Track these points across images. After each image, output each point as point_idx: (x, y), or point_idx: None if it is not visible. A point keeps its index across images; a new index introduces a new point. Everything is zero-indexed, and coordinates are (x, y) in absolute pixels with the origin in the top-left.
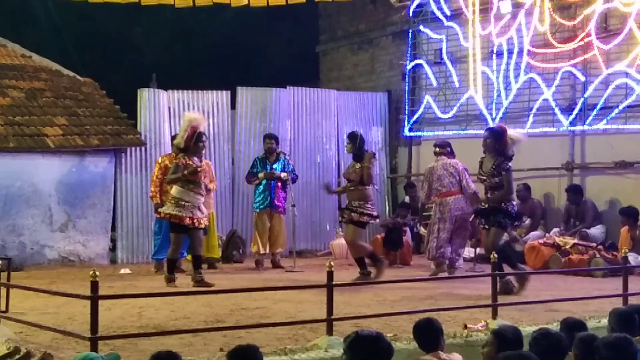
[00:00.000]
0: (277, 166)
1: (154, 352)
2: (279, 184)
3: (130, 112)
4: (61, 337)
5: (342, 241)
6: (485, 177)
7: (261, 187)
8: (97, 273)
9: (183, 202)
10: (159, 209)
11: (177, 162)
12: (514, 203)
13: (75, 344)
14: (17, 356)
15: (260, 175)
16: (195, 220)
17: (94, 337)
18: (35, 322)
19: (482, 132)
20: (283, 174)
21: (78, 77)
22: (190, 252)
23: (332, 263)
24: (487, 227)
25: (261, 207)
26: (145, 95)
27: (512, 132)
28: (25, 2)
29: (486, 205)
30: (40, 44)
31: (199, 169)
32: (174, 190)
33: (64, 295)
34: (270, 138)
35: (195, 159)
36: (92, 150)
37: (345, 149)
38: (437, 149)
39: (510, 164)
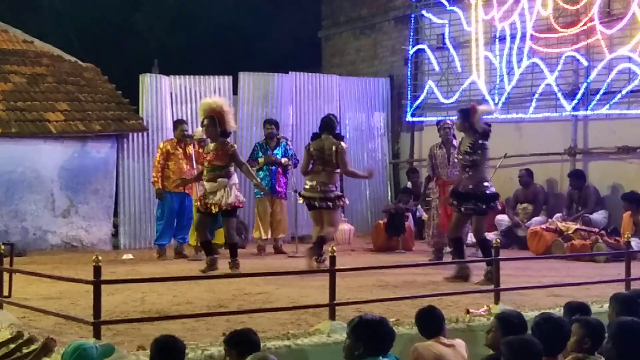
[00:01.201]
0: (277, 151)
1: (156, 337)
2: (280, 169)
3: (132, 98)
4: (64, 322)
5: (345, 226)
6: (461, 156)
7: (261, 172)
8: (100, 258)
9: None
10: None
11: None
12: (488, 184)
13: (78, 328)
14: (20, 341)
15: (260, 160)
16: (209, 205)
17: (96, 322)
18: (38, 307)
19: (485, 117)
20: (284, 159)
21: (80, 62)
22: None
23: (334, 248)
24: (460, 209)
25: (262, 192)
26: (147, 81)
27: (480, 106)
28: None
29: (461, 189)
30: (42, 30)
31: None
32: (235, 177)
33: (67, 280)
34: (271, 123)
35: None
36: (94, 136)
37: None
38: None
39: (487, 142)
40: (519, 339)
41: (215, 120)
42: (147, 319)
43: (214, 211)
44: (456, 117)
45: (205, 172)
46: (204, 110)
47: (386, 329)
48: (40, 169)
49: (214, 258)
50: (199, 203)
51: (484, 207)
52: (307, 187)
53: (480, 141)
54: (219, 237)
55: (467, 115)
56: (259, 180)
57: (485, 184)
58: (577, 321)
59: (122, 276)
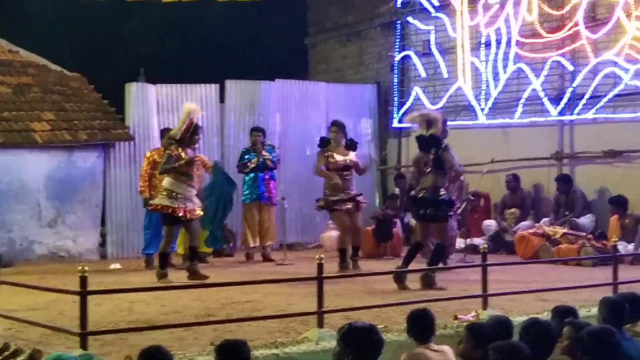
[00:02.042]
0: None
1: (143, 347)
2: (267, 176)
3: (119, 107)
4: (51, 332)
5: (333, 233)
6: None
7: (249, 179)
8: (86, 268)
9: (175, 194)
10: (150, 201)
11: (170, 152)
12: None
13: (65, 339)
14: (7, 353)
15: (254, 160)
16: (187, 212)
17: (83, 333)
18: (25, 318)
19: (471, 122)
20: (265, 153)
21: (66, 71)
22: (184, 244)
23: (322, 255)
24: (425, 219)
25: (249, 199)
26: (133, 90)
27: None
28: None
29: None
30: (28, 39)
31: (195, 160)
32: (165, 181)
33: (53, 291)
34: (258, 131)
35: (189, 150)
36: (81, 145)
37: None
38: None
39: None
40: (506, 344)
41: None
42: (135, 329)
43: (193, 218)
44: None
45: (183, 178)
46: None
47: (375, 337)
48: (26, 179)
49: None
50: (182, 212)
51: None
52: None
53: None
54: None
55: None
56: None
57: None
58: (569, 324)
59: (109, 286)
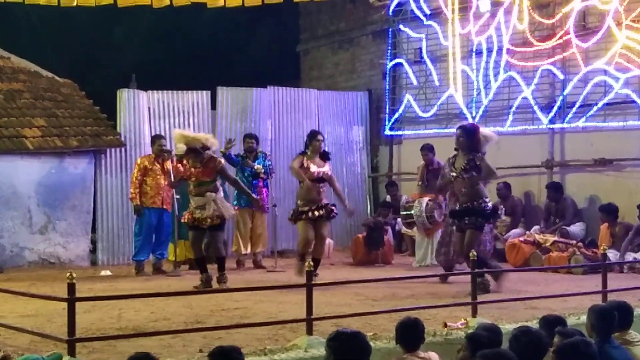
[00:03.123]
0: (256, 163)
1: (130, 355)
2: (260, 182)
3: (110, 113)
4: (39, 339)
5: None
6: (457, 174)
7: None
8: (74, 275)
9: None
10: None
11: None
12: (487, 200)
13: (54, 346)
14: None
15: (258, 167)
16: (195, 220)
17: (71, 339)
18: (14, 324)
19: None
20: (257, 166)
21: (57, 78)
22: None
23: (311, 263)
24: (462, 229)
25: (242, 205)
26: (124, 96)
27: (484, 130)
28: (2, 2)
29: (459, 207)
30: (19, 45)
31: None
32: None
33: (41, 297)
34: (251, 137)
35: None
36: (72, 152)
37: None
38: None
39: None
40: (494, 352)
41: (199, 151)
42: (123, 335)
43: (205, 225)
44: (458, 133)
45: (192, 187)
46: (188, 142)
47: (361, 344)
48: (17, 185)
49: (209, 276)
50: (187, 219)
51: (484, 221)
52: None
53: (478, 156)
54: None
55: (473, 135)
56: (252, 195)
57: (486, 199)
58: (558, 333)
59: (99, 292)
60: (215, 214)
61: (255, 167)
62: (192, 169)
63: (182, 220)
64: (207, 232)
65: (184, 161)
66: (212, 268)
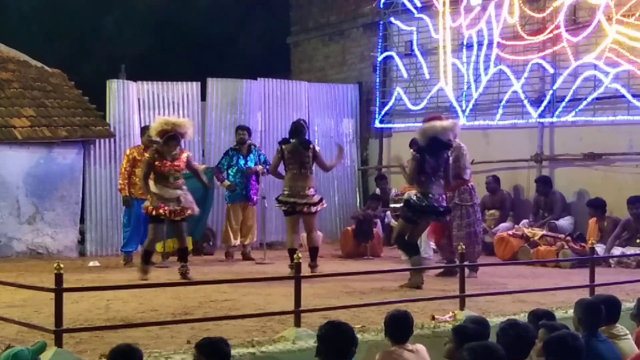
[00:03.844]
0: (251, 157)
1: (112, 347)
2: (254, 176)
3: (99, 104)
4: (27, 330)
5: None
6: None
7: (236, 179)
8: (62, 265)
9: (157, 196)
10: (142, 205)
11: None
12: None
13: (41, 336)
14: None
15: (226, 183)
16: (170, 212)
17: (58, 330)
18: (1, 315)
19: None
20: (259, 167)
21: (46, 67)
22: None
23: (300, 255)
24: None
25: (236, 199)
26: (114, 87)
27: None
28: None
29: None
30: (8, 34)
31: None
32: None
33: (28, 287)
34: (243, 129)
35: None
36: (60, 142)
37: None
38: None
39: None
40: (481, 344)
41: (180, 139)
42: (111, 326)
43: (177, 218)
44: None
45: (171, 180)
46: (176, 130)
47: (347, 334)
48: (5, 175)
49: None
50: (161, 211)
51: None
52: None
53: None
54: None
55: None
56: (206, 184)
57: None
58: (543, 326)
59: (87, 283)
60: (189, 206)
61: (259, 170)
62: (171, 161)
63: (146, 212)
64: (171, 224)
65: (153, 152)
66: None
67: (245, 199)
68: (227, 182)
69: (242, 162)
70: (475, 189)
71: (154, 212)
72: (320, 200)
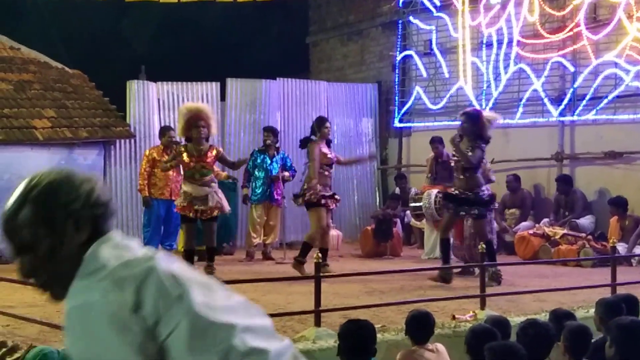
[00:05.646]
0: (276, 160)
1: None
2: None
3: (120, 104)
4: (48, 329)
5: (333, 232)
6: (458, 158)
7: (260, 180)
8: None
9: (187, 194)
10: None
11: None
12: (484, 188)
13: (63, 336)
14: (4, 349)
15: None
16: (197, 212)
17: None
18: (23, 315)
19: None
20: (286, 174)
21: (67, 69)
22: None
23: (319, 254)
24: (457, 214)
25: (260, 199)
26: (134, 87)
27: (487, 113)
28: None
29: (457, 192)
30: (29, 36)
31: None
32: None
33: None
34: (267, 131)
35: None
36: (81, 143)
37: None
38: None
39: (484, 145)
40: (502, 344)
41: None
42: None
43: (205, 217)
44: (462, 120)
45: (197, 176)
46: (199, 112)
47: (368, 332)
48: (26, 176)
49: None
50: (187, 212)
51: (484, 210)
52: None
53: (477, 143)
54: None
55: (477, 120)
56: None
57: (483, 188)
58: (565, 327)
59: None
60: (218, 205)
61: (285, 177)
62: (197, 157)
63: (177, 211)
64: (202, 223)
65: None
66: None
67: (269, 199)
68: (245, 190)
69: (267, 162)
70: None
71: (182, 213)
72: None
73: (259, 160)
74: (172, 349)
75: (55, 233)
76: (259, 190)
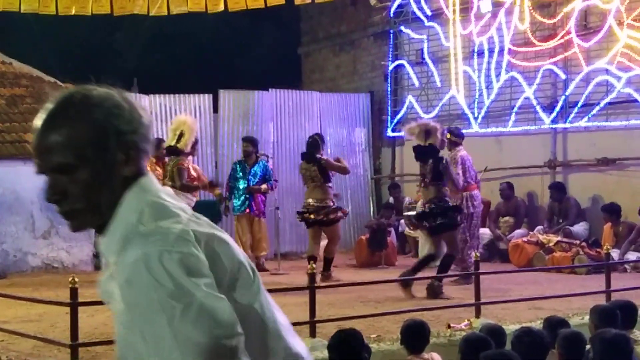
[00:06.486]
0: (255, 169)
1: None
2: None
3: None
4: (42, 344)
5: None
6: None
7: (240, 191)
8: (77, 279)
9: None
10: None
11: (183, 167)
12: (447, 199)
13: (57, 351)
14: None
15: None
16: None
17: (74, 344)
18: (17, 330)
19: (464, 131)
20: (263, 187)
21: (59, 83)
22: None
23: (314, 265)
24: (436, 231)
25: (241, 210)
26: None
27: (423, 122)
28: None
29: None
30: (21, 51)
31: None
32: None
33: (44, 302)
34: (245, 141)
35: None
36: None
37: None
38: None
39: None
40: (497, 352)
41: None
42: None
43: None
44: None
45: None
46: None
47: (358, 342)
48: (19, 191)
49: None
50: None
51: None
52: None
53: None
54: None
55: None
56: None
57: (446, 198)
58: (559, 335)
59: None
60: None
61: (262, 189)
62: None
63: None
64: None
65: (184, 162)
66: None
67: (250, 211)
68: (217, 191)
69: (247, 171)
70: (476, 197)
71: None
72: (335, 209)
73: (239, 172)
74: None
75: (105, 158)
76: (238, 202)
